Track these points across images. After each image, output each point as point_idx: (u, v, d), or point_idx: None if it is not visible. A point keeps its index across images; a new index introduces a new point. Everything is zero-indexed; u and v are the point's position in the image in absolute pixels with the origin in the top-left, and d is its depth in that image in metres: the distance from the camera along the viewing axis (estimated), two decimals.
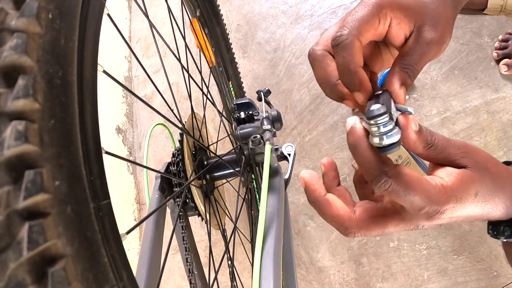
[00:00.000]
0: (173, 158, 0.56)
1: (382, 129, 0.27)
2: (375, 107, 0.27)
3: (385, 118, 0.27)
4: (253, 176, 0.72)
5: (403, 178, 0.27)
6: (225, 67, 0.92)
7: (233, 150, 0.63)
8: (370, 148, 0.28)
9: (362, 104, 0.32)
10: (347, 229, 0.31)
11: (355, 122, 0.30)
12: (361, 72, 0.31)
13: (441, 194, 0.28)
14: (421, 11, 0.32)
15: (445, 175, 0.29)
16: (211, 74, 0.78)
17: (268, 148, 0.49)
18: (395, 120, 0.28)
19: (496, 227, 0.33)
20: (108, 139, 1.32)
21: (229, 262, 0.67)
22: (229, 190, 1.09)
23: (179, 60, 0.57)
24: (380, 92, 0.33)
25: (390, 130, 0.27)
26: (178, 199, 0.56)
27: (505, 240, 0.33)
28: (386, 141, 0.27)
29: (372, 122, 0.27)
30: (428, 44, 0.32)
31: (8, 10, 0.18)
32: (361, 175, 0.36)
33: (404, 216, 0.30)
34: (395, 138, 0.27)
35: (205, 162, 0.63)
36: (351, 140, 0.29)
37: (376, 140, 0.27)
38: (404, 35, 0.33)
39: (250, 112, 0.63)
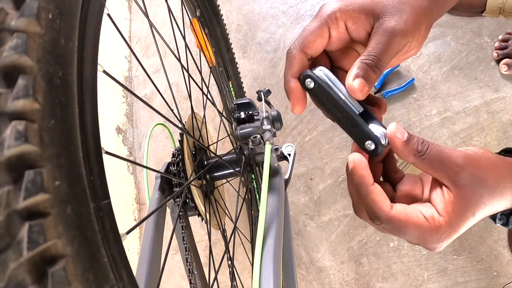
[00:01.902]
0: (173, 158, 0.56)
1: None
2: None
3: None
4: (253, 176, 0.72)
5: (395, 222, 0.29)
6: (225, 67, 0.92)
7: (233, 150, 0.63)
8: (369, 192, 0.31)
9: (294, 111, 0.36)
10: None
11: (357, 162, 0.32)
12: (291, 82, 0.34)
13: (436, 233, 0.29)
14: (376, 4, 0.32)
15: (441, 207, 0.30)
16: (211, 74, 0.78)
17: (268, 148, 0.49)
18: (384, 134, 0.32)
19: (493, 215, 0.33)
20: (108, 139, 1.32)
21: (229, 262, 0.67)
22: (229, 190, 1.09)
23: (179, 60, 0.57)
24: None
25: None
26: (178, 199, 0.56)
27: (499, 224, 0.33)
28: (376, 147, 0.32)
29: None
30: (388, 33, 0.31)
31: (8, 10, 0.18)
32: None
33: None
34: (386, 141, 0.32)
35: (205, 162, 0.63)
36: (354, 181, 0.32)
37: (367, 147, 0.32)
38: (365, 32, 0.33)
39: (250, 112, 0.63)
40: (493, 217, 0.33)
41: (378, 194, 0.31)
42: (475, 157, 0.30)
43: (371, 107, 0.36)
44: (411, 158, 0.30)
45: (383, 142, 0.32)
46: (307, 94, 0.35)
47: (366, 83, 0.32)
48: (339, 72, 0.38)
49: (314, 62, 0.36)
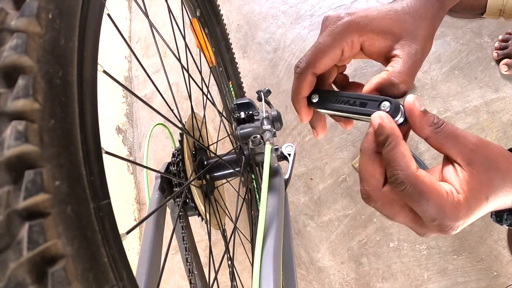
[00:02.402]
0: (173, 158, 0.56)
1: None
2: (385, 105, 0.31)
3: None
4: (253, 176, 0.72)
5: (419, 184, 0.27)
6: (225, 67, 0.92)
7: (233, 150, 0.63)
8: (399, 144, 0.29)
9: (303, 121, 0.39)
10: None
11: (383, 116, 0.30)
12: (300, 101, 0.37)
13: (456, 209, 0.27)
14: (394, 26, 0.33)
15: (458, 185, 0.28)
16: (211, 74, 0.78)
17: (268, 148, 0.49)
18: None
19: (500, 214, 0.33)
20: (108, 139, 1.32)
21: (229, 262, 0.67)
22: (229, 190, 1.09)
23: (179, 60, 0.57)
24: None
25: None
26: (178, 199, 0.56)
27: (505, 226, 0.33)
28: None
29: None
30: (412, 56, 0.32)
31: (8, 10, 0.18)
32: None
33: (418, 219, 0.30)
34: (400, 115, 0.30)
35: (205, 162, 0.63)
36: (384, 136, 0.29)
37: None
38: (380, 52, 0.34)
39: (250, 112, 0.63)
40: (500, 218, 0.33)
41: (407, 149, 0.29)
42: (487, 141, 0.30)
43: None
44: (427, 130, 0.29)
45: (400, 105, 0.30)
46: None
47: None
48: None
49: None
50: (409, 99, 0.30)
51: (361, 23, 0.33)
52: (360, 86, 0.37)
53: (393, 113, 0.30)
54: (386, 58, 0.34)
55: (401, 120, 0.30)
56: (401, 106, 0.30)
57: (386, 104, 0.30)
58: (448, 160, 0.30)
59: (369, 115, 0.31)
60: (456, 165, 0.29)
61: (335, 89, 0.38)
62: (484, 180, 0.28)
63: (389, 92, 0.32)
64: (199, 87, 0.64)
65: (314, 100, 0.36)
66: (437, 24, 0.34)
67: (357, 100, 0.32)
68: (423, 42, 0.32)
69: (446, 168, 0.30)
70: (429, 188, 0.27)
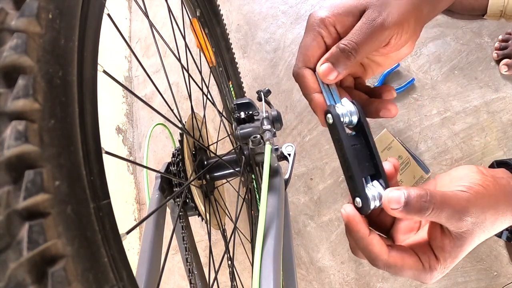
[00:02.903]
0: (173, 158, 0.56)
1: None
2: (358, 204, 0.32)
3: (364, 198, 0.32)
4: (253, 176, 0.72)
5: (392, 268, 0.31)
6: (225, 67, 0.92)
7: (233, 150, 0.63)
8: (367, 244, 0.32)
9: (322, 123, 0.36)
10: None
11: (350, 216, 0.32)
12: (314, 99, 0.35)
13: (430, 276, 0.31)
14: (359, 1, 0.33)
15: (439, 251, 0.31)
16: (211, 74, 0.78)
17: (268, 148, 0.49)
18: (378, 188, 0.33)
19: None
20: (108, 139, 1.32)
21: (229, 262, 0.67)
22: (229, 190, 1.09)
23: (179, 60, 0.57)
24: (354, 133, 0.35)
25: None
26: (178, 199, 0.56)
27: (505, 240, 0.34)
28: (377, 205, 0.32)
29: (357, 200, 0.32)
30: (370, 21, 0.31)
31: (8, 10, 0.18)
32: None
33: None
34: (376, 203, 0.32)
35: (205, 162, 0.63)
36: (350, 234, 0.33)
37: (355, 204, 0.33)
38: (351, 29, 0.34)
39: (250, 112, 0.63)
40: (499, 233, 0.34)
41: (375, 244, 0.32)
42: (477, 198, 0.29)
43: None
44: (416, 219, 0.32)
45: (371, 205, 0.31)
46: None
47: (333, 68, 0.33)
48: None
49: None
50: (384, 198, 0.30)
51: (328, 8, 0.34)
52: (386, 89, 0.37)
53: (360, 211, 0.32)
54: None
55: (377, 204, 0.32)
56: (370, 202, 0.32)
57: (358, 202, 0.32)
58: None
59: (350, 190, 0.33)
60: (443, 228, 0.31)
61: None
62: (468, 244, 0.30)
63: (340, 61, 0.32)
64: (199, 87, 0.64)
65: (329, 121, 0.33)
66: (420, 4, 0.32)
67: (350, 168, 0.33)
68: (390, 9, 0.31)
69: (433, 229, 0.32)
70: (402, 268, 0.31)
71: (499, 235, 0.34)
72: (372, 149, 0.33)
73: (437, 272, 0.31)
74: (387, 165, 0.34)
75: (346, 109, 0.33)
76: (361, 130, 0.34)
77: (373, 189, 0.32)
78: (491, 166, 0.37)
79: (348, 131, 0.34)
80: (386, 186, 0.33)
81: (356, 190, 0.32)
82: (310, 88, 0.35)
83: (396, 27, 0.31)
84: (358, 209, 0.32)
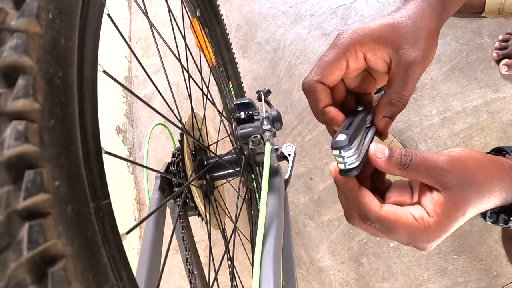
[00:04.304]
0: (173, 158, 0.56)
1: (345, 158, 0.31)
2: (340, 138, 0.30)
3: (347, 150, 0.30)
4: (253, 176, 0.72)
5: (385, 222, 0.30)
6: (225, 67, 0.92)
7: (233, 150, 0.63)
8: (357, 195, 0.31)
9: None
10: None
11: (337, 171, 0.32)
12: (328, 111, 0.35)
13: (426, 233, 0.30)
14: (394, 34, 0.33)
15: (430, 208, 0.30)
16: (211, 74, 0.78)
17: (268, 148, 0.49)
18: (360, 148, 0.31)
19: (483, 213, 0.34)
20: (108, 139, 1.32)
21: (229, 262, 0.67)
22: (229, 190, 1.09)
23: (179, 60, 0.57)
24: (360, 109, 0.36)
25: (350, 157, 0.30)
26: (178, 199, 0.56)
27: (489, 222, 0.34)
28: (347, 166, 0.31)
29: (334, 152, 0.31)
30: (410, 65, 0.32)
31: (8, 10, 0.18)
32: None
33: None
34: (355, 164, 0.31)
35: (205, 162, 0.63)
36: (340, 188, 0.33)
37: (338, 165, 0.31)
38: (383, 61, 0.34)
39: (250, 112, 0.63)
40: (483, 215, 0.34)
41: (365, 195, 0.31)
42: (461, 158, 0.30)
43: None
44: (397, 171, 0.31)
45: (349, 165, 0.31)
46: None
47: (390, 121, 0.35)
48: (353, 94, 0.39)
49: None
50: (370, 150, 0.31)
51: (362, 34, 0.33)
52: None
53: (343, 173, 0.31)
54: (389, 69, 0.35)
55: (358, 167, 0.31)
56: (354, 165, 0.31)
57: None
58: (424, 184, 0.32)
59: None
60: (432, 189, 0.31)
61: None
62: (460, 199, 0.29)
63: (391, 111, 0.34)
64: (199, 87, 0.64)
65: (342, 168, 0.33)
66: (440, 25, 0.34)
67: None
68: (425, 44, 0.32)
69: (422, 192, 0.32)
70: (395, 223, 0.30)
71: (496, 220, 0.34)
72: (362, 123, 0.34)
73: (433, 230, 0.29)
74: (372, 146, 0.34)
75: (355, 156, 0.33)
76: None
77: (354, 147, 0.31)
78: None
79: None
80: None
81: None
82: (322, 102, 0.35)
83: (429, 58, 0.33)
84: (342, 172, 0.32)
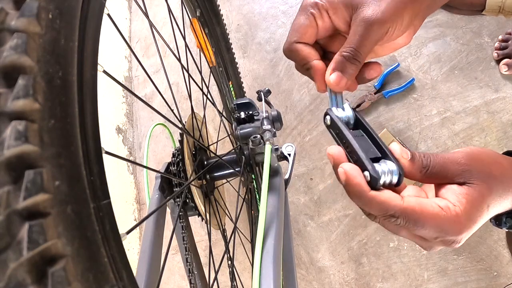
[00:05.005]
0: (173, 158, 0.56)
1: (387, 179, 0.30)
2: (380, 170, 0.30)
3: (388, 175, 0.30)
4: (253, 176, 0.72)
5: (411, 215, 0.27)
6: (225, 67, 0.92)
7: (233, 150, 0.63)
8: (371, 198, 0.29)
9: (320, 90, 0.37)
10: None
11: (348, 172, 0.29)
12: (315, 64, 0.35)
13: (455, 223, 0.27)
14: None
15: (454, 198, 0.28)
16: (211, 74, 0.78)
17: (268, 148, 0.49)
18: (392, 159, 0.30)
19: (499, 218, 0.33)
20: (108, 139, 1.32)
21: (229, 262, 0.67)
22: (229, 190, 1.09)
23: (179, 60, 0.57)
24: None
25: (391, 173, 0.30)
26: (178, 199, 0.56)
27: (505, 229, 0.33)
28: (393, 181, 0.30)
29: (380, 183, 0.29)
30: (365, 22, 0.32)
31: (8, 10, 0.18)
32: None
33: (421, 237, 0.30)
34: (396, 177, 0.30)
35: (205, 162, 0.63)
36: (352, 192, 0.29)
37: (383, 182, 0.30)
38: (345, 21, 0.34)
39: (250, 112, 0.63)
40: (499, 221, 0.33)
41: (381, 194, 0.28)
42: (476, 153, 0.30)
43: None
44: (418, 175, 0.30)
45: (381, 177, 0.29)
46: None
47: (343, 76, 0.34)
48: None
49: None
50: (396, 151, 0.30)
51: None
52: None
53: (370, 182, 0.29)
54: None
55: (387, 180, 0.30)
56: (379, 174, 0.29)
57: (365, 174, 0.30)
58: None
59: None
60: (451, 183, 0.30)
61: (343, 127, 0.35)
62: (484, 189, 0.28)
63: (342, 63, 0.34)
64: (199, 87, 0.64)
65: (327, 123, 0.35)
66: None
67: (355, 153, 0.31)
68: (386, 6, 0.31)
69: (441, 187, 0.30)
70: (422, 215, 0.27)
71: (500, 223, 0.33)
72: (374, 136, 0.33)
73: (462, 219, 0.27)
74: (395, 146, 0.32)
75: (344, 113, 0.35)
76: (360, 126, 0.35)
77: (382, 165, 0.30)
78: None
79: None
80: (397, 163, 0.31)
81: (363, 166, 0.30)
82: (307, 57, 0.36)
83: (391, 21, 0.32)
84: (368, 183, 0.30)
